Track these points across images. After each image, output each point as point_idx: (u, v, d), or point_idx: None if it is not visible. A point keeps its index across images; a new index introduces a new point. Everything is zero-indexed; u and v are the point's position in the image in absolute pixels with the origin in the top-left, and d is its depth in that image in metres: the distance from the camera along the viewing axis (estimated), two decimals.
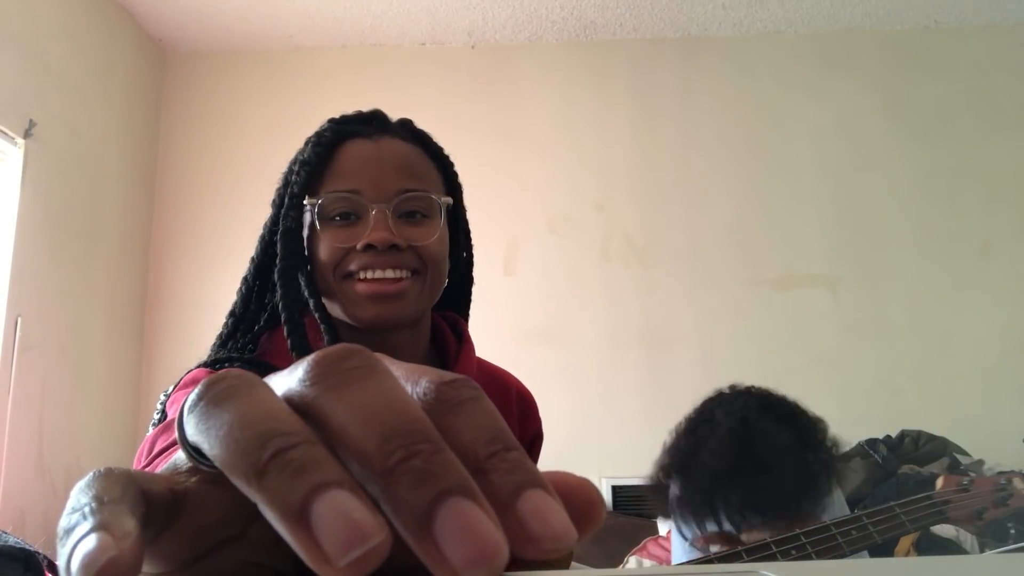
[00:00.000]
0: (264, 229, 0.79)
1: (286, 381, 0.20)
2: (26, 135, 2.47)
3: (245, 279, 0.80)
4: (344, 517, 0.16)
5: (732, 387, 1.44)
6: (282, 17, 3.16)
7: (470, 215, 0.84)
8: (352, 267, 0.72)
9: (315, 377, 0.19)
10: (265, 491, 0.17)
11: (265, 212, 0.79)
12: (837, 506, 1.33)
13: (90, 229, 2.82)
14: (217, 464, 0.18)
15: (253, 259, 0.80)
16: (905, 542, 2.30)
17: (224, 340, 0.78)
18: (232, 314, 0.79)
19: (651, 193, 3.23)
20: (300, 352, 0.70)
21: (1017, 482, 1.11)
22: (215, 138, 3.30)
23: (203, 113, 3.34)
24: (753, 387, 1.42)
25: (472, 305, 0.90)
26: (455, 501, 0.16)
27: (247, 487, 0.17)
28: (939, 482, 1.11)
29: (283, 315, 0.72)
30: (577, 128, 3.29)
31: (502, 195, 3.15)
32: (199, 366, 0.73)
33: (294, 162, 0.77)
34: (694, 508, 1.28)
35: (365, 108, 0.80)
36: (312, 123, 0.79)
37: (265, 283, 0.79)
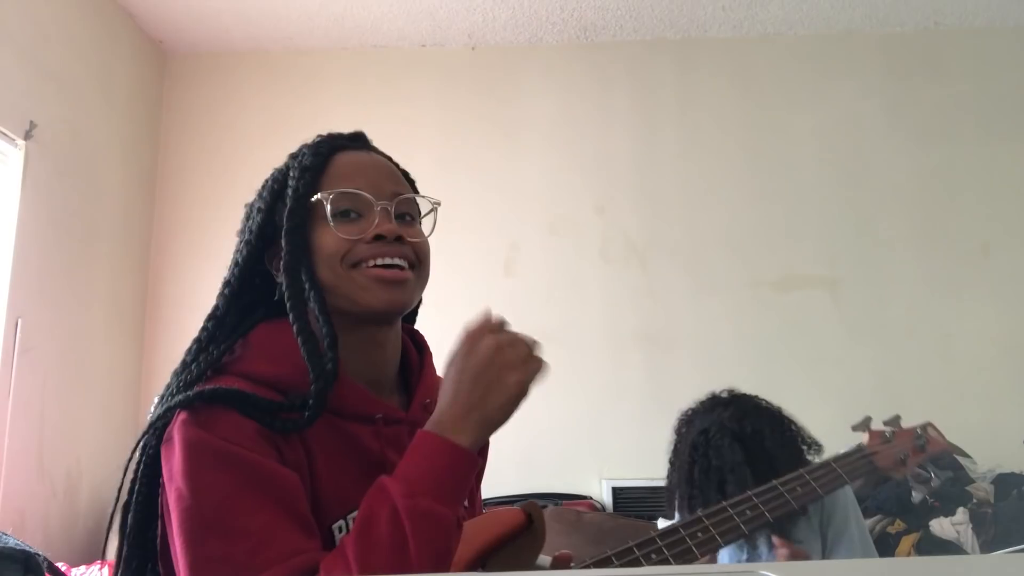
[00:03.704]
0: (248, 234, 0.83)
1: None
2: (27, 137, 2.47)
3: (228, 282, 0.83)
4: None
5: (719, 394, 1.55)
6: (282, 18, 3.16)
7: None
8: (360, 256, 0.77)
9: None
10: None
11: None
12: (851, 506, 1.40)
13: (90, 230, 2.82)
14: None
15: (237, 262, 0.83)
16: (906, 543, 2.30)
17: (205, 345, 0.81)
18: (213, 316, 0.83)
19: (651, 195, 3.23)
20: (306, 340, 0.75)
21: (931, 430, 1.25)
22: (215, 139, 3.30)
23: (203, 114, 3.34)
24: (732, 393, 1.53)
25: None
26: None
27: None
28: (865, 437, 1.22)
29: (288, 304, 0.77)
30: (577, 130, 3.29)
31: (502, 197, 3.14)
32: (178, 404, 0.73)
33: (288, 168, 0.83)
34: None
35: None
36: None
37: (243, 287, 0.82)
